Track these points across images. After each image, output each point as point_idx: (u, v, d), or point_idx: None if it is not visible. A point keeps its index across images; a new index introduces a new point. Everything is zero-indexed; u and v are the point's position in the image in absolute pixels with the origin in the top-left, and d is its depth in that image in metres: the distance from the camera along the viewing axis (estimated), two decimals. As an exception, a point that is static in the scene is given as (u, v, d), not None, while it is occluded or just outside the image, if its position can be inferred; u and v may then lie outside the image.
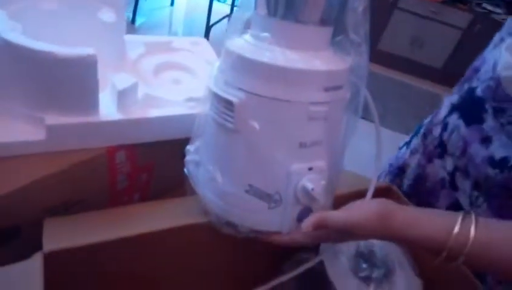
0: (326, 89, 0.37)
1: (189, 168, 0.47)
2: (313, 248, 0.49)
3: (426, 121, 0.64)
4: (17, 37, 0.39)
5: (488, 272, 0.45)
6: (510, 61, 0.46)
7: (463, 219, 0.34)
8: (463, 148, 0.52)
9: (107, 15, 0.49)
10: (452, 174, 0.54)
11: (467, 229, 0.33)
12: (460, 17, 2.79)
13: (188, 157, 0.47)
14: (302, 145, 0.38)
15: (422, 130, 0.63)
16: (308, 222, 0.39)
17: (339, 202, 0.48)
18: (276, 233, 0.42)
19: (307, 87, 0.37)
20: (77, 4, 0.50)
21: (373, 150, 0.46)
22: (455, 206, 0.53)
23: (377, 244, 0.49)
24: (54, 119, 0.43)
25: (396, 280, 0.46)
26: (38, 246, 0.38)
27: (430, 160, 0.57)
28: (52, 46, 0.39)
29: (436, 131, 0.58)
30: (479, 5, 2.73)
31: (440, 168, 0.55)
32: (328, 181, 0.41)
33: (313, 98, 0.37)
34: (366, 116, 0.44)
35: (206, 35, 2.43)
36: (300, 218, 0.41)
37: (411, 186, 0.58)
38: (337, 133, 0.42)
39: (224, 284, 0.53)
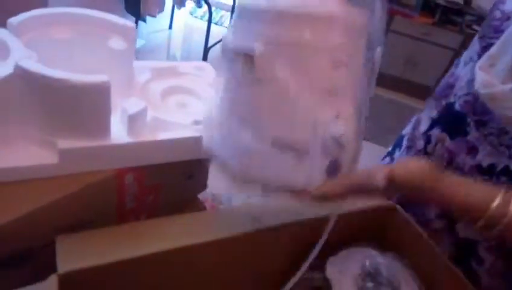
0: (349, 36, 0.37)
1: (207, 143, 0.44)
2: (319, 266, 0.50)
3: (405, 132, 0.66)
4: (33, 64, 0.41)
5: None
6: (486, 80, 0.48)
7: (505, 193, 0.35)
8: (449, 158, 0.54)
9: (118, 43, 0.51)
10: None
11: (506, 201, 0.35)
12: (451, 38, 2.87)
13: (205, 134, 0.45)
14: (327, 92, 0.37)
15: (404, 143, 0.65)
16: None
17: (343, 221, 0.50)
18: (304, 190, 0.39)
19: (330, 33, 0.36)
20: (89, 33, 0.52)
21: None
22: (447, 215, 0.55)
23: (382, 263, 0.50)
24: (66, 143, 0.45)
25: None
26: (51, 266, 0.39)
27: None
28: (67, 74, 0.41)
29: (420, 144, 0.60)
30: (469, 26, 2.81)
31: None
32: (355, 129, 0.39)
33: (336, 42, 0.36)
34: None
35: (204, 57, 2.48)
36: (329, 171, 0.38)
37: (400, 198, 0.57)
38: (360, 81, 0.40)
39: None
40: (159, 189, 0.58)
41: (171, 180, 0.60)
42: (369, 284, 0.48)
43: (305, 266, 0.46)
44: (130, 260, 0.41)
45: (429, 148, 0.58)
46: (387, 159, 0.70)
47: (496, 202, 0.35)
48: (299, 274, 0.46)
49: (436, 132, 0.57)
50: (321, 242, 0.45)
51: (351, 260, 0.51)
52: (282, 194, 0.41)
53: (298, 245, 0.49)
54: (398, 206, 0.55)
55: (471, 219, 0.36)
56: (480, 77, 0.49)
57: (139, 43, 2.66)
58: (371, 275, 0.50)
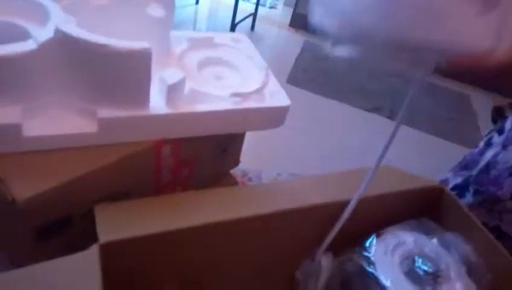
0: None
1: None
2: (364, 247, 0.48)
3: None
4: (75, 29, 0.40)
5: None
6: None
7: None
8: None
9: (157, 10, 0.50)
10: None
11: None
12: (492, 16, 2.72)
13: None
14: None
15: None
16: None
17: (384, 201, 0.47)
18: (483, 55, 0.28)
19: None
20: (127, 0, 0.50)
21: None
22: None
23: (430, 245, 0.48)
24: (106, 112, 0.44)
25: (454, 284, 0.45)
26: (89, 235, 0.38)
27: (505, 147, 0.58)
28: (108, 39, 0.39)
29: None
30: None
31: None
32: None
33: None
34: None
35: (231, 33, 2.44)
36: None
37: (474, 177, 0.58)
38: None
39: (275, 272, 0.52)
40: (194, 163, 0.57)
41: (206, 153, 0.59)
42: (416, 268, 0.46)
43: (329, 238, 0.44)
44: (169, 232, 0.40)
45: None
46: (482, 144, 0.70)
47: None
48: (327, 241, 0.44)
49: None
50: (341, 220, 0.44)
51: (397, 243, 0.49)
52: None
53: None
54: (446, 188, 0.52)
55: None
56: None
57: (166, 18, 2.64)
58: (415, 258, 0.47)
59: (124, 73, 0.41)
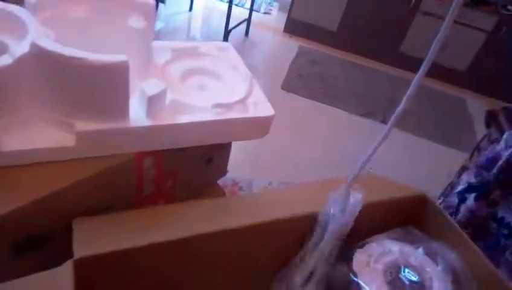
0: None
1: None
2: (345, 258, 0.47)
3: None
4: (50, 43, 0.39)
5: None
6: None
7: None
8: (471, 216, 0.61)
9: (137, 22, 0.49)
10: None
11: None
12: (485, 20, 2.73)
13: None
14: None
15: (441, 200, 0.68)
16: None
17: (368, 210, 0.47)
18: None
19: None
20: (107, 11, 0.50)
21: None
22: None
23: (416, 254, 0.47)
24: (84, 125, 0.43)
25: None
26: (70, 250, 0.38)
27: None
28: (85, 53, 0.39)
29: (453, 200, 0.67)
30: (504, 7, 2.66)
31: None
32: None
33: None
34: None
35: (225, 39, 2.44)
36: None
37: (500, 172, 0.64)
38: None
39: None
40: (178, 174, 0.57)
41: (190, 164, 0.58)
42: (401, 277, 0.46)
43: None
44: (147, 247, 0.39)
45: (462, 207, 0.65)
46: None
47: None
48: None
49: (471, 196, 0.67)
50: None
51: (380, 253, 0.48)
52: None
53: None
54: (429, 195, 0.51)
55: None
56: None
57: (159, 25, 2.64)
58: (400, 269, 0.47)
59: (101, 86, 0.41)
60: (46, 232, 0.43)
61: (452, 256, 0.49)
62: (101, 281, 0.38)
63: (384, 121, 2.35)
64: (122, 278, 0.40)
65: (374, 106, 2.53)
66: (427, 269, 0.47)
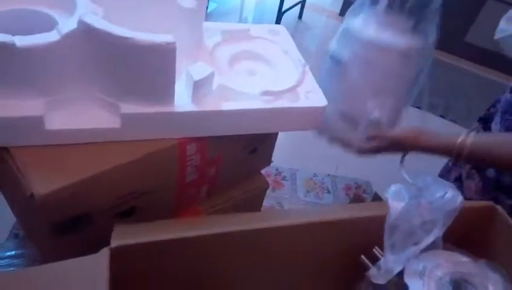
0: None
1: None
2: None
3: None
4: (97, 20, 0.38)
5: (490, 167, 0.61)
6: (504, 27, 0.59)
7: (468, 132, 0.52)
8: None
9: (188, 1, 0.47)
10: None
11: (469, 136, 0.51)
12: None
13: None
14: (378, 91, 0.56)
15: None
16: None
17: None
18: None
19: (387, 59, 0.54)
20: (158, -12, 0.48)
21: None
22: None
23: (473, 271, 0.42)
24: (129, 108, 0.42)
25: None
26: (107, 233, 0.37)
27: None
28: (131, 32, 0.37)
29: None
30: None
31: None
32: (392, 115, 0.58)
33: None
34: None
35: (278, 22, 2.38)
36: (369, 138, 0.57)
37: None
38: (403, 85, 0.58)
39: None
40: (221, 162, 0.54)
41: (235, 153, 0.56)
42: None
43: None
44: (181, 239, 0.38)
45: None
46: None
47: (460, 139, 0.51)
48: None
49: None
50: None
51: (435, 264, 0.43)
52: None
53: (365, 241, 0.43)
54: (499, 207, 0.45)
55: (446, 156, 0.55)
56: (500, 24, 0.59)
57: (211, 6, 2.63)
58: (458, 284, 0.42)
59: (147, 67, 0.39)
60: (88, 213, 0.43)
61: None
62: (136, 270, 0.37)
63: (443, 116, 2.20)
64: (156, 268, 0.39)
65: (432, 98, 2.37)
66: (489, 286, 0.41)
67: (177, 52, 0.39)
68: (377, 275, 0.42)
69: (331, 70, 0.59)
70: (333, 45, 0.59)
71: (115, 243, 0.34)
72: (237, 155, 0.57)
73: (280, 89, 0.49)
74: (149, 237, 0.36)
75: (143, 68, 0.40)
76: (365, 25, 0.55)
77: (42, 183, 0.38)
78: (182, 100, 0.44)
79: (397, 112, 0.61)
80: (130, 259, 0.35)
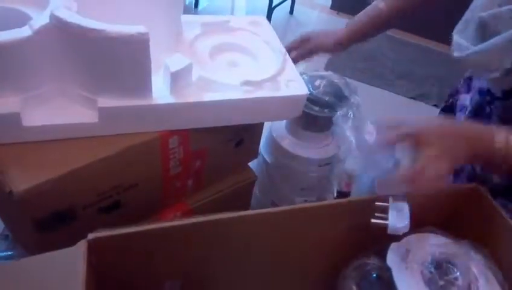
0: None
1: None
2: (379, 253, 0.43)
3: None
4: (69, 14, 0.38)
5: None
6: (459, 43, 0.52)
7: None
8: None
9: (163, -8, 0.47)
10: None
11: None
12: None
13: None
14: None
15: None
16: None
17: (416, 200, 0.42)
18: None
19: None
20: (133, -19, 0.47)
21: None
22: None
23: (456, 252, 0.42)
24: (106, 102, 0.42)
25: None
26: (94, 228, 0.37)
27: None
28: (103, 24, 0.37)
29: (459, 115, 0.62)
30: None
31: None
32: None
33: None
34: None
35: (269, 17, 2.38)
36: None
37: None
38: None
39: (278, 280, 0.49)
40: (206, 154, 0.54)
41: (219, 146, 0.56)
42: (438, 277, 0.41)
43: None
44: (167, 228, 0.38)
45: None
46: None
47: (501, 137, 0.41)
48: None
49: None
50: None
51: (418, 248, 0.43)
52: None
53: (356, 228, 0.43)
54: (483, 188, 0.45)
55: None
56: (455, 40, 0.53)
57: (202, 4, 2.62)
58: (442, 266, 0.42)
59: (121, 59, 0.39)
60: (72, 209, 0.43)
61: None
62: (118, 262, 0.37)
63: (437, 105, 2.20)
64: (141, 259, 0.39)
65: (426, 88, 2.37)
66: (471, 267, 0.41)
67: (156, 46, 0.39)
68: (396, 221, 0.41)
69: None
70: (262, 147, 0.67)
71: (92, 235, 0.34)
72: (222, 148, 0.57)
73: (260, 78, 0.49)
74: (127, 229, 0.36)
75: (117, 61, 0.39)
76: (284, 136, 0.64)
77: (21, 180, 0.38)
78: (161, 93, 0.44)
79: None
80: (108, 251, 0.35)
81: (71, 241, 0.35)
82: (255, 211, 0.42)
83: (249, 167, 0.66)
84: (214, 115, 0.47)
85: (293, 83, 0.50)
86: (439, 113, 0.74)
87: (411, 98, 2.34)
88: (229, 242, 0.41)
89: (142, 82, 0.42)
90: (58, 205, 0.42)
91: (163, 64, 0.45)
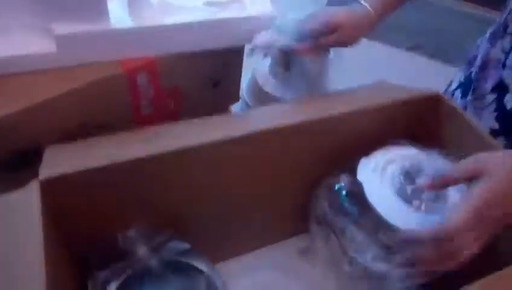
0: None
1: None
2: (350, 168, 0.42)
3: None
4: None
5: None
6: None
7: None
8: None
9: None
10: (507, 53, 0.52)
11: None
12: None
13: None
14: None
15: None
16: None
17: (378, 115, 0.40)
18: None
19: None
20: None
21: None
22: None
23: (425, 161, 0.41)
24: (63, 29, 0.40)
25: (450, 199, 0.38)
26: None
27: (493, 44, 0.56)
28: None
29: (502, 17, 0.56)
30: None
31: (499, 51, 0.54)
32: None
33: None
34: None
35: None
36: None
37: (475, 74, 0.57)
38: None
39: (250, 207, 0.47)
40: (180, 94, 0.53)
41: (194, 85, 0.54)
42: (410, 186, 0.39)
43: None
44: (129, 162, 0.34)
45: (509, 18, 0.53)
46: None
47: None
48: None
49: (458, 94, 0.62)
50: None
51: (386, 160, 0.42)
52: None
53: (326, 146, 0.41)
54: (443, 95, 0.43)
55: None
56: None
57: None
58: (412, 175, 0.40)
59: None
60: (33, 148, 0.41)
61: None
62: (76, 203, 0.34)
63: (433, 56, 2.14)
64: (101, 199, 0.36)
65: (421, 39, 2.31)
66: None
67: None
68: None
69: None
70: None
71: (43, 174, 0.32)
72: (198, 88, 0.55)
73: (224, -1, 0.47)
74: (92, 163, 0.33)
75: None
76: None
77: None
78: (119, 17, 0.42)
79: None
80: (66, 191, 0.33)
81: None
82: (226, 136, 0.39)
83: (231, 111, 0.65)
84: (176, 39, 0.45)
85: (258, 2, 0.48)
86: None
87: (405, 49, 2.29)
88: (197, 173, 0.39)
89: (96, 3, 0.40)
90: (22, 144, 0.40)
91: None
